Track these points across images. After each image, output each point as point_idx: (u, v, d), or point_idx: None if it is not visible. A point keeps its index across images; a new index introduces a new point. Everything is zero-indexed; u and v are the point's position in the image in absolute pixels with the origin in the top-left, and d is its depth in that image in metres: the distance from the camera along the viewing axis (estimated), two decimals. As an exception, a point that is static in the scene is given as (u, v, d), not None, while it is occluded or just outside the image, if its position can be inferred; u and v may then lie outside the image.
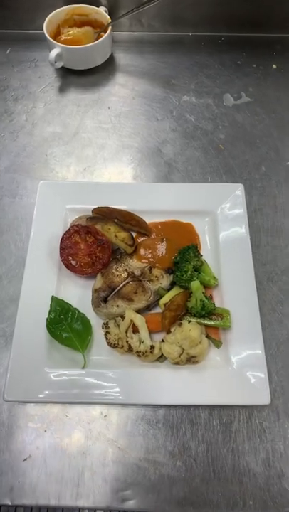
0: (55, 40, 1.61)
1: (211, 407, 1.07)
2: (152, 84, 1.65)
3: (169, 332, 1.07)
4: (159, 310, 1.13)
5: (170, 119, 1.56)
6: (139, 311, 1.10)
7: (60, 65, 1.64)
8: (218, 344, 1.10)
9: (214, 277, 1.16)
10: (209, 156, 1.48)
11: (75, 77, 1.65)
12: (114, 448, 1.08)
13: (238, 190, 1.28)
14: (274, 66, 1.70)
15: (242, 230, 1.23)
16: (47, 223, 1.23)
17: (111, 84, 1.65)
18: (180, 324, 1.06)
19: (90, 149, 1.49)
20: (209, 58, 1.72)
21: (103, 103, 1.60)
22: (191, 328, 1.04)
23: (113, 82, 1.66)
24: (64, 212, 1.25)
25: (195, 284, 1.07)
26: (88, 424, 1.07)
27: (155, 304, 1.14)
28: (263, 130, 1.54)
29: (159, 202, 1.25)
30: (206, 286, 1.14)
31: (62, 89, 1.64)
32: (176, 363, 1.05)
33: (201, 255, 1.17)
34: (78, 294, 1.16)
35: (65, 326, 1.10)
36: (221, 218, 1.25)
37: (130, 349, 1.05)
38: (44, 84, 1.65)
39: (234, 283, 1.15)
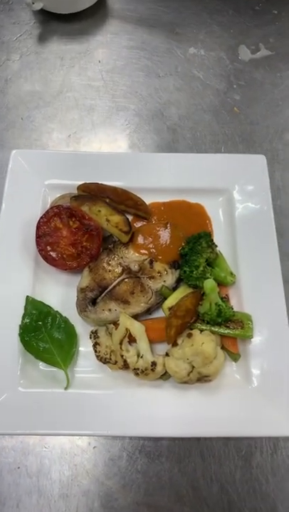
0: (32, -26, 1.35)
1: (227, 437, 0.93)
2: (152, 33, 1.46)
3: (175, 344, 0.93)
4: (161, 314, 0.99)
5: (174, 75, 1.39)
6: (137, 317, 0.97)
7: (39, 6, 1.41)
8: (236, 357, 0.96)
9: (231, 273, 1.02)
10: (222, 120, 1.32)
11: (59, 23, 1.45)
12: (106, 489, 0.90)
13: (259, 162, 1.12)
14: (299, 13, 1.52)
15: (265, 212, 1.07)
16: (21, 203, 1.07)
17: (102, 33, 1.45)
18: (190, 335, 0.90)
19: (76, 112, 1.32)
20: (221, 2, 1.52)
21: (93, 56, 1.41)
22: (204, 341, 0.88)
23: (105, 30, 1.45)
24: (43, 189, 1.10)
25: (209, 284, 0.92)
26: (73, 458, 0.92)
27: (157, 306, 1.00)
28: (286, 90, 1.37)
29: (162, 177, 1.11)
30: (220, 284, 0.99)
31: (42, 38, 1.44)
32: (184, 383, 0.91)
33: (216, 245, 1.01)
34: (60, 293, 1.02)
35: (43, 334, 0.95)
36: (238, 198, 1.10)
37: (126, 365, 0.91)
38: (20, 31, 1.45)
39: (255, 280, 1.01)
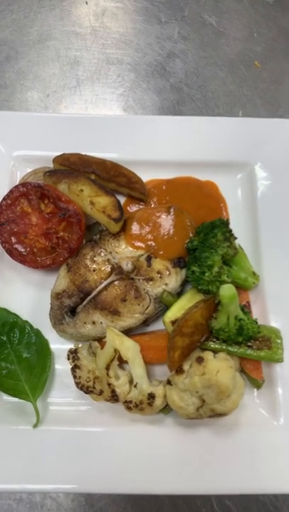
0: None
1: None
2: None
3: (180, 371, 0.77)
4: (162, 326, 0.87)
5: (180, 21, 1.29)
6: (129, 331, 0.87)
7: None
8: (258, 384, 0.83)
9: (254, 273, 0.90)
10: (239, 77, 1.22)
11: None
12: None
13: (287, 129, 1.02)
14: None
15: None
16: (-18, 180, 0.95)
17: None
18: (200, 360, 0.76)
19: (56, 66, 1.23)
20: None
21: (78, -5, 1.27)
22: (219, 369, 0.74)
23: None
24: (11, 162, 1.01)
25: (227, 291, 0.77)
26: (46, 514, 0.82)
27: (157, 317, 0.90)
28: None
29: (163, 147, 1.02)
30: (239, 287, 0.87)
31: (15, -26, 1.29)
32: (192, 419, 0.77)
33: (235, 237, 0.88)
34: (30, 298, 0.93)
35: (7, 352, 0.84)
36: (261, 174, 0.99)
37: (114, 397, 0.79)
38: None
39: (284, 282, 0.89)
